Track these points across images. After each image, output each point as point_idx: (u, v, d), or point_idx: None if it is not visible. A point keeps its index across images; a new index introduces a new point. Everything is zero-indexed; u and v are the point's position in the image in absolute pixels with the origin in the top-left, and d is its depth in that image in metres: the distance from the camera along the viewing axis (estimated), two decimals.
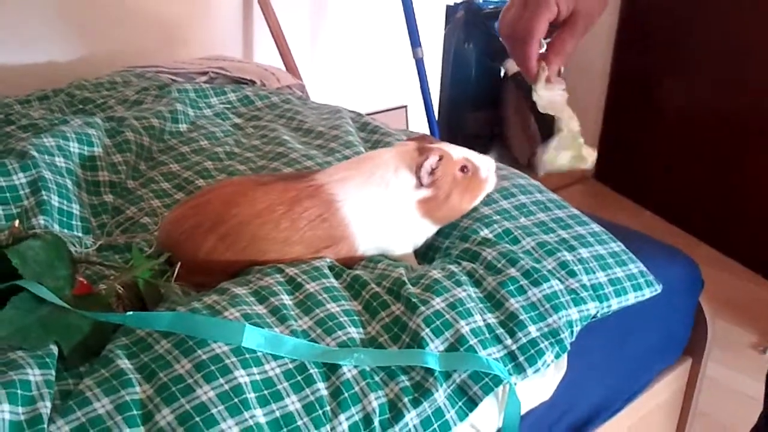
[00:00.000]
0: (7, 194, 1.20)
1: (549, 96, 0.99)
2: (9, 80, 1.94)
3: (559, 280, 1.09)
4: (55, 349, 0.85)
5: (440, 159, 1.08)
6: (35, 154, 1.27)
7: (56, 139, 1.35)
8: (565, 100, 1.02)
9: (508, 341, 1.00)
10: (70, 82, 1.83)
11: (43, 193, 1.21)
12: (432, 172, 1.08)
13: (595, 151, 1.03)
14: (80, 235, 1.21)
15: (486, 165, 1.15)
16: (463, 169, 1.12)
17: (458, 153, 1.13)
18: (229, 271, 1.04)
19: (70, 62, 2.09)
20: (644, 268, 1.19)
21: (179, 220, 1.07)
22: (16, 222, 1.01)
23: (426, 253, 1.18)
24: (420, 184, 1.08)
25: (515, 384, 0.98)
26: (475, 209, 1.19)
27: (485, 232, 1.14)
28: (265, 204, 1.04)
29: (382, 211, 1.09)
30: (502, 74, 3.52)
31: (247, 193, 1.05)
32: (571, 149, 1.04)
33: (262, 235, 1.03)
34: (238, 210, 1.03)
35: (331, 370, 0.89)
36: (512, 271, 1.07)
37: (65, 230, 1.20)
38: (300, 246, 1.05)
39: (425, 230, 1.15)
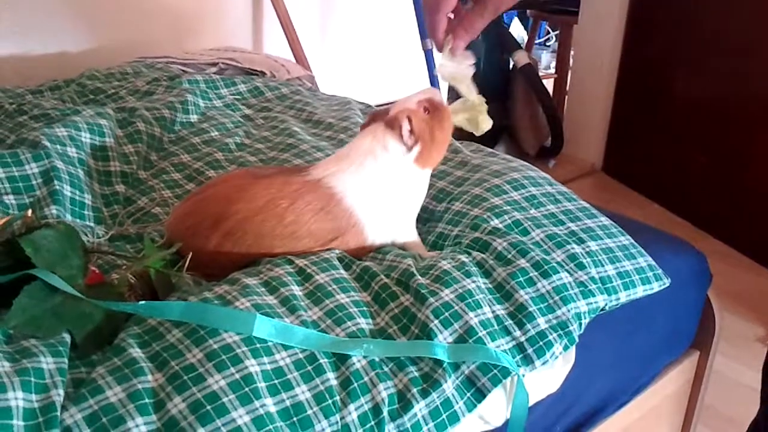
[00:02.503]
0: (20, 184, 1.21)
1: (452, 67, 1.13)
2: (21, 70, 1.96)
3: (568, 272, 1.09)
4: (67, 337, 0.86)
5: (409, 119, 1.10)
6: (47, 144, 1.28)
7: (68, 129, 1.36)
8: (469, 73, 1.15)
9: (517, 333, 1.01)
10: (81, 72, 1.83)
11: (56, 182, 1.22)
12: (411, 133, 1.10)
13: (489, 123, 1.18)
14: (92, 224, 1.22)
15: (431, 94, 1.16)
16: (425, 110, 1.13)
17: (412, 101, 1.14)
18: (238, 265, 1.04)
19: (81, 53, 2.10)
20: (653, 262, 1.19)
21: (182, 217, 1.07)
22: (29, 211, 1.02)
23: (436, 242, 1.18)
24: (409, 149, 1.10)
25: (523, 376, 0.98)
26: (485, 199, 1.19)
27: (495, 222, 1.15)
28: (266, 199, 1.04)
29: (383, 192, 1.10)
30: (510, 66, 3.52)
31: (247, 188, 1.05)
32: (468, 114, 1.19)
33: (266, 232, 1.04)
34: (239, 206, 1.03)
35: (340, 360, 0.89)
36: (522, 262, 1.07)
37: (77, 220, 1.21)
38: (308, 239, 1.05)
39: (426, 180, 1.17)
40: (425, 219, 1.24)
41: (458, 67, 1.12)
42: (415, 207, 1.16)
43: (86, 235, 1.15)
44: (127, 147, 1.42)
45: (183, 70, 1.90)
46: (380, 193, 1.10)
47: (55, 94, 1.70)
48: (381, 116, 1.15)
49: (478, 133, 1.19)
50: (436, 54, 2.81)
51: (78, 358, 0.87)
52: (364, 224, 1.09)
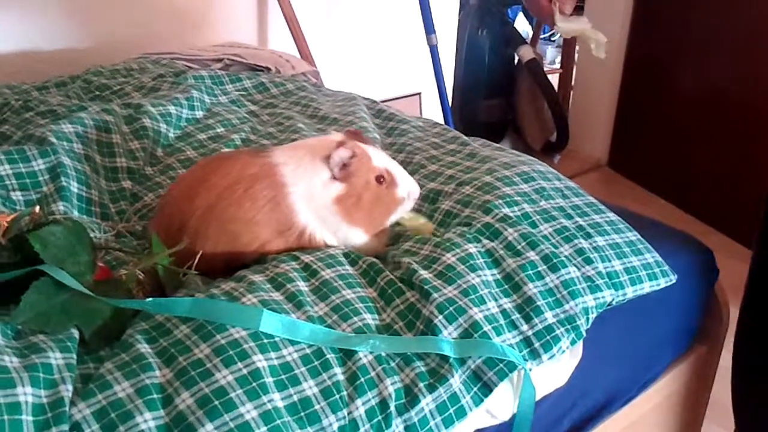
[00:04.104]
0: (27, 180, 1.21)
1: (569, 23, 1.33)
2: (27, 67, 1.96)
3: (576, 266, 1.09)
4: (76, 333, 0.86)
5: (353, 155, 1.05)
6: (54, 140, 1.28)
7: (74, 125, 1.36)
8: (587, 23, 1.38)
9: (524, 327, 1.01)
10: (86, 68, 1.84)
11: (63, 179, 1.22)
12: (343, 166, 1.04)
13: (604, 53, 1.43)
14: (99, 221, 1.22)
15: (407, 186, 1.10)
16: (380, 178, 1.07)
17: (381, 162, 1.08)
18: (225, 261, 1.04)
19: (86, 49, 2.10)
20: (660, 258, 1.19)
21: (156, 226, 1.07)
22: (37, 208, 1.02)
23: (443, 221, 1.18)
24: (333, 177, 1.04)
25: (530, 370, 0.99)
26: (496, 188, 1.19)
27: (506, 210, 1.14)
28: (225, 184, 1.03)
29: (316, 200, 1.05)
30: (515, 61, 3.51)
31: (207, 177, 1.04)
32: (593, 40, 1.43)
33: (227, 218, 1.02)
34: (198, 201, 1.03)
35: (347, 355, 0.90)
36: (531, 255, 1.07)
37: (84, 216, 1.21)
38: (266, 228, 1.03)
39: (348, 234, 1.09)
40: (432, 198, 1.24)
41: (576, 21, 1.32)
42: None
43: (93, 231, 1.15)
44: (134, 143, 1.42)
45: (188, 66, 1.90)
46: (314, 202, 1.05)
47: (60, 91, 1.71)
48: (353, 136, 1.12)
49: (599, 54, 1.39)
50: (441, 50, 2.81)
51: (86, 353, 0.87)
52: (304, 226, 1.05)
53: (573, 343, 1.03)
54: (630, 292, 1.13)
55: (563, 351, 1.02)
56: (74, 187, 1.23)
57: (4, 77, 1.80)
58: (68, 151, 1.29)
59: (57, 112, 1.47)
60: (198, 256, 1.02)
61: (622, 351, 1.23)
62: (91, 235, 1.11)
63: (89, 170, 1.30)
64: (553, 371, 1.06)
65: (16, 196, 1.18)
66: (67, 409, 0.76)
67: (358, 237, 1.09)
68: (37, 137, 1.30)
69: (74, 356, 0.82)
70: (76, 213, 1.20)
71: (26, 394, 0.74)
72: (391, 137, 1.50)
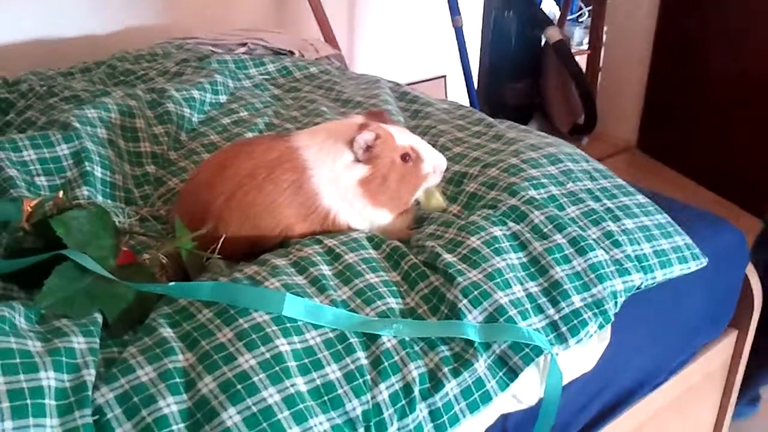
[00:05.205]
0: (51, 165, 1.21)
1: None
2: (51, 53, 1.97)
3: (604, 250, 1.07)
4: (99, 317, 0.86)
5: (377, 137, 1.04)
6: (78, 125, 1.28)
7: (98, 110, 1.36)
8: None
9: (551, 311, 0.99)
10: (111, 55, 1.84)
11: (86, 164, 1.22)
12: (367, 148, 1.04)
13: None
14: (123, 205, 1.22)
15: (433, 160, 1.09)
16: (405, 157, 1.06)
17: (405, 140, 1.08)
18: (250, 247, 1.04)
19: (109, 35, 2.11)
20: (690, 241, 1.17)
21: (180, 212, 1.06)
22: (60, 192, 1.02)
23: (468, 203, 1.16)
24: (356, 159, 1.04)
25: (557, 354, 0.97)
26: (522, 170, 1.17)
27: (533, 193, 1.12)
28: (246, 170, 1.03)
29: (339, 183, 1.04)
30: (542, 43, 3.46)
31: (228, 164, 1.04)
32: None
33: (249, 202, 1.02)
34: (221, 187, 1.03)
35: (370, 339, 0.89)
36: (558, 238, 1.05)
37: (108, 201, 1.21)
38: (289, 212, 1.03)
39: (373, 216, 1.08)
40: (456, 180, 1.22)
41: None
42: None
43: (117, 215, 1.15)
44: (157, 128, 1.42)
45: (212, 51, 1.89)
46: (338, 186, 1.05)
47: (85, 76, 1.71)
48: (376, 117, 1.12)
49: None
50: (467, 32, 2.78)
51: (109, 337, 0.87)
52: (327, 209, 1.05)
53: (601, 327, 1.01)
54: (659, 276, 1.11)
55: (591, 335, 1.00)
56: (98, 171, 1.23)
57: (29, 64, 1.81)
58: (92, 136, 1.29)
59: (81, 97, 1.47)
60: (221, 240, 1.01)
61: (652, 335, 1.21)
62: (115, 219, 1.11)
63: (113, 155, 1.30)
64: (581, 356, 1.05)
65: (41, 181, 1.19)
66: (90, 393, 0.76)
67: (383, 218, 1.08)
68: (61, 122, 1.30)
69: (97, 340, 0.82)
70: (100, 198, 1.20)
71: (49, 378, 0.74)
72: (416, 120, 1.49)
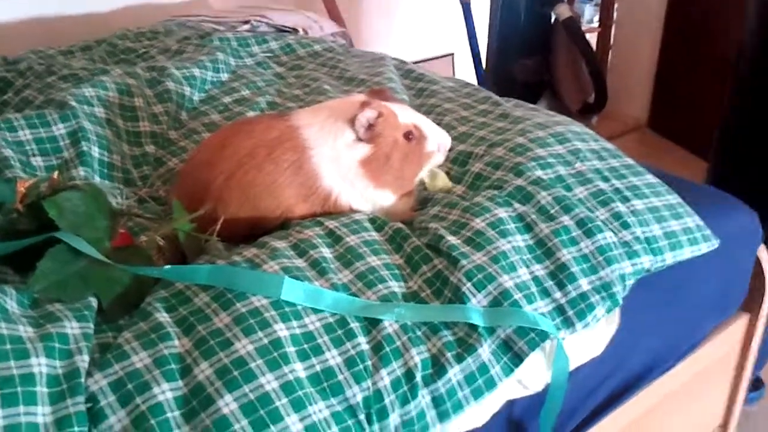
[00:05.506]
0: (48, 145, 1.19)
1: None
2: (52, 31, 1.94)
3: (613, 231, 1.04)
4: (94, 301, 0.84)
5: (380, 116, 1.01)
6: (75, 104, 1.26)
7: (96, 89, 1.34)
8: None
9: (557, 294, 0.97)
10: (112, 32, 1.81)
11: (83, 144, 1.20)
12: (369, 126, 1.01)
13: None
14: (121, 186, 1.20)
15: (437, 139, 1.07)
16: (408, 135, 1.04)
17: (408, 118, 1.05)
18: (250, 229, 1.02)
19: (111, 12, 2.08)
20: (701, 222, 1.14)
21: (178, 193, 1.05)
22: (55, 173, 1.00)
23: (473, 183, 1.14)
24: (358, 138, 1.01)
25: (563, 339, 0.95)
26: (528, 149, 1.14)
27: (539, 173, 1.10)
28: (246, 150, 1.01)
29: (341, 163, 1.02)
30: (552, 20, 3.42)
31: (228, 143, 1.02)
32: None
33: (249, 182, 1.00)
34: (221, 167, 1.01)
35: (372, 324, 0.87)
36: (565, 219, 1.03)
37: (106, 181, 1.19)
38: (289, 193, 1.01)
39: (375, 197, 1.05)
40: (461, 160, 1.19)
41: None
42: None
43: (115, 197, 1.13)
44: (157, 107, 1.40)
45: (214, 29, 1.86)
46: (340, 164, 1.02)
47: (86, 55, 1.68)
48: (378, 95, 1.09)
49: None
50: (475, 8, 2.74)
51: (105, 322, 0.85)
52: (328, 190, 1.02)
53: (609, 311, 0.99)
54: (669, 258, 1.08)
55: (598, 319, 0.98)
56: (95, 151, 1.21)
57: (30, 43, 1.78)
58: (89, 115, 1.27)
59: (79, 76, 1.44)
60: (219, 222, 0.99)
61: (662, 318, 1.18)
62: (113, 200, 1.09)
63: (111, 134, 1.28)
64: (589, 340, 1.02)
65: (37, 161, 1.17)
66: (83, 380, 0.74)
67: (386, 199, 1.06)
68: (57, 101, 1.28)
69: (91, 325, 0.80)
70: (97, 178, 1.18)
71: (41, 364, 0.73)
72: (421, 98, 1.46)
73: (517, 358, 0.90)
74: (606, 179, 1.14)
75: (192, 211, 0.99)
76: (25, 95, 1.38)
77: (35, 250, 0.86)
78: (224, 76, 1.57)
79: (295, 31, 1.95)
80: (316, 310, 0.85)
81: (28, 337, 0.75)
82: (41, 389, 0.71)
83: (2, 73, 1.51)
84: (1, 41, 1.85)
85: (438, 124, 1.28)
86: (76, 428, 0.71)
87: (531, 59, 3.40)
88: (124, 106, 1.35)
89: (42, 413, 0.70)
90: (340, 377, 0.81)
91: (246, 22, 1.94)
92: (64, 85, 1.39)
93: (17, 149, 1.16)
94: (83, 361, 0.75)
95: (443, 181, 1.11)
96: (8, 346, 0.72)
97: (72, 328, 0.78)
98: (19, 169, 1.10)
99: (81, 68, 1.49)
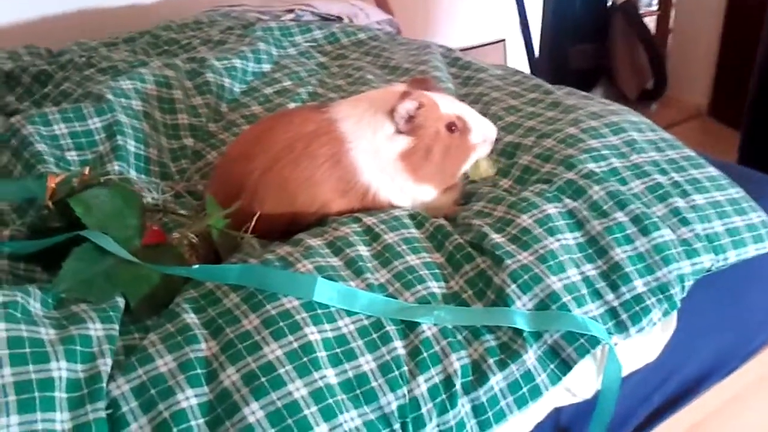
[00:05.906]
0: (83, 139, 1.17)
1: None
2: (97, 24, 1.94)
3: (671, 228, 0.99)
4: (121, 301, 0.82)
5: (420, 106, 0.97)
6: (111, 97, 1.24)
7: (133, 81, 1.32)
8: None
9: (610, 296, 0.91)
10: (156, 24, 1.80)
11: (119, 137, 1.18)
12: (409, 118, 0.97)
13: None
14: (158, 180, 1.18)
15: (482, 130, 1.02)
16: (451, 126, 0.99)
17: (451, 108, 1.00)
18: (287, 225, 0.98)
19: (156, 4, 2.07)
20: (767, 217, 1.07)
21: (214, 188, 1.02)
22: (87, 169, 0.98)
23: (521, 177, 1.09)
24: (398, 131, 0.97)
25: (616, 345, 0.89)
26: (580, 140, 1.09)
27: (592, 166, 1.05)
28: (283, 143, 0.98)
29: (380, 157, 0.98)
30: (609, 3, 3.33)
31: (264, 137, 1.00)
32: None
33: (285, 177, 0.97)
34: (256, 162, 0.98)
35: (409, 327, 0.83)
36: (620, 216, 0.97)
37: (142, 176, 1.17)
38: (326, 188, 0.97)
39: (416, 192, 1.01)
40: (509, 152, 1.14)
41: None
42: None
43: (151, 191, 1.11)
44: (196, 99, 1.37)
45: (258, 18, 1.83)
46: (378, 159, 0.98)
47: (128, 46, 1.67)
48: (421, 84, 1.05)
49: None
50: None
51: (132, 322, 0.83)
52: (367, 184, 0.99)
53: (666, 314, 0.93)
54: (732, 257, 1.02)
55: (654, 324, 0.92)
56: (131, 145, 1.19)
57: (75, 35, 1.78)
58: (126, 108, 1.25)
59: (118, 68, 1.43)
60: (255, 218, 0.96)
61: (722, 321, 1.12)
62: (148, 195, 1.07)
63: (148, 128, 1.25)
64: (643, 345, 0.96)
65: (71, 156, 1.15)
66: (104, 385, 0.72)
67: (427, 193, 1.02)
68: (94, 94, 1.26)
69: (116, 326, 0.78)
70: (133, 172, 1.16)
71: (60, 369, 0.70)
72: (467, 87, 1.40)
73: (565, 366, 0.85)
74: (664, 172, 1.08)
75: (227, 207, 0.96)
76: (63, 88, 1.37)
77: (64, 248, 0.84)
78: (266, 67, 1.54)
79: (340, 19, 1.92)
80: (349, 313, 0.82)
81: (49, 339, 0.72)
82: (60, 395, 0.69)
83: (44, 66, 1.50)
84: (48, 34, 1.85)
85: (484, 114, 1.23)
86: None
87: (586, 45, 3.31)
88: (162, 99, 1.33)
89: (60, 420, 0.68)
90: (374, 384, 0.78)
91: (290, 11, 1.92)
92: (102, 77, 1.38)
93: (52, 143, 1.14)
94: (105, 364, 0.73)
95: (485, 167, 1.06)
96: (27, 350, 0.70)
97: (96, 329, 0.75)
98: (52, 164, 1.09)
99: (120, 60, 1.47)
